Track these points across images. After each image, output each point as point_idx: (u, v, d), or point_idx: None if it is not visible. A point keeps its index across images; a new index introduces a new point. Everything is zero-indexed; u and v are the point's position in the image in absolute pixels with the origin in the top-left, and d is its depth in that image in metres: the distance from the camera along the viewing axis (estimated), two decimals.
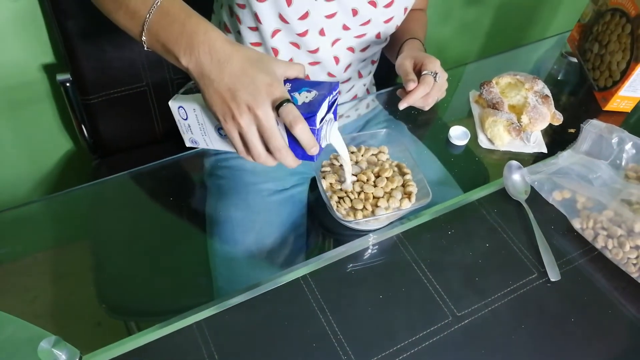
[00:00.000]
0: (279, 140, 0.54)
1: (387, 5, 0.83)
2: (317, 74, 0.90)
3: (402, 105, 0.76)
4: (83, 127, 1.04)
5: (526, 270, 0.67)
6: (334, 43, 0.85)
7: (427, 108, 0.79)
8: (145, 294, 0.72)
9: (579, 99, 0.92)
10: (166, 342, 0.59)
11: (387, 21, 0.85)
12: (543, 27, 1.57)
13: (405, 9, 0.87)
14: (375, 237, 0.68)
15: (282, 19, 0.80)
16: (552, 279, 0.66)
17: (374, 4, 0.82)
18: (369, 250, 0.68)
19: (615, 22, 0.86)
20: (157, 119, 1.07)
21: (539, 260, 0.68)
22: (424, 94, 0.76)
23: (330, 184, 0.66)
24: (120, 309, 0.72)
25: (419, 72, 0.78)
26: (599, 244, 0.68)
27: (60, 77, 0.96)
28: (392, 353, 0.59)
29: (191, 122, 0.59)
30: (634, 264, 0.66)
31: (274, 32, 0.82)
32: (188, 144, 0.62)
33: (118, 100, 1.01)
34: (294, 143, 0.55)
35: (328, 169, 0.68)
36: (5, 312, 0.59)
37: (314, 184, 0.79)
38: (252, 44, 0.86)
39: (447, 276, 0.66)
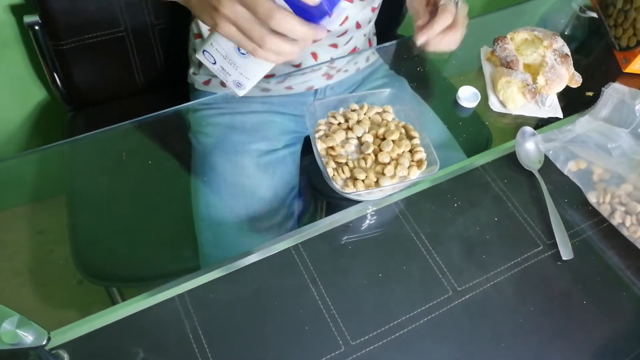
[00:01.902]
0: (265, 5, 0.47)
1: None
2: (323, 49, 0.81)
3: (419, 39, 0.64)
4: (55, 75, 0.96)
5: (532, 243, 0.63)
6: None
7: (453, 47, 0.66)
8: (126, 258, 0.67)
9: (598, 59, 0.86)
10: (146, 314, 0.55)
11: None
12: None
13: None
14: (373, 205, 0.63)
15: None
16: (564, 258, 0.61)
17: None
18: (367, 220, 0.63)
19: None
20: (137, 68, 0.99)
21: (547, 233, 0.63)
22: (444, 26, 0.63)
23: (327, 147, 0.59)
24: (99, 273, 0.68)
25: (435, 5, 0.65)
26: (616, 221, 0.63)
27: (27, 19, 0.87)
28: (388, 329, 0.55)
29: (220, 61, 0.54)
30: None
31: None
32: (239, 93, 0.55)
33: (93, 46, 0.92)
34: (300, 8, 0.48)
35: (325, 127, 0.61)
36: None
37: (308, 145, 0.73)
38: None
39: (448, 248, 0.62)
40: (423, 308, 0.58)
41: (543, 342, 0.56)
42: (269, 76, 0.82)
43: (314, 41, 0.51)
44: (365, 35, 0.88)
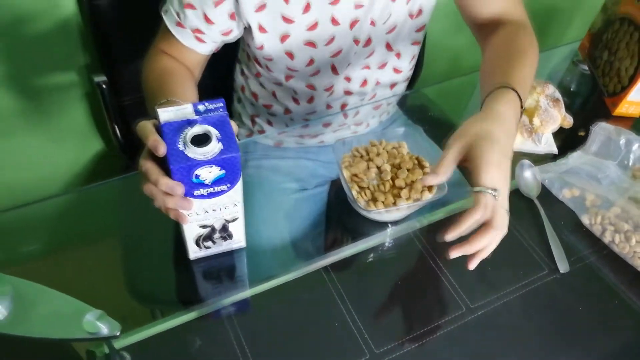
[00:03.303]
0: (155, 176, 0.55)
1: (386, 20, 0.84)
2: (337, 99, 0.94)
3: (448, 237, 0.61)
4: (116, 127, 1.11)
5: (538, 266, 0.71)
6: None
7: (485, 254, 0.62)
8: (173, 283, 0.76)
9: (590, 104, 0.96)
10: (197, 324, 0.64)
11: (390, 31, 0.86)
12: (556, 37, 1.61)
13: (411, 15, 0.87)
14: (392, 231, 0.73)
15: (290, 69, 0.85)
16: (562, 271, 0.70)
17: (373, 24, 0.83)
18: (386, 245, 0.73)
19: (624, 31, 0.90)
20: None
21: (551, 257, 0.71)
22: (473, 220, 0.59)
23: (352, 175, 0.71)
24: (151, 297, 0.76)
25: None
26: (607, 239, 0.72)
27: (97, 78, 1.03)
28: (408, 340, 0.63)
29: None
30: None
31: (288, 77, 0.87)
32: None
33: None
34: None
35: (349, 159, 0.73)
36: (52, 289, 0.64)
37: (334, 187, 0.84)
38: (270, 85, 0.92)
39: (461, 271, 0.69)
40: (440, 322, 0.65)
41: (550, 356, 0.63)
42: (305, 135, 0.96)
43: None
44: (391, 94, 1.01)
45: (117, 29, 0.98)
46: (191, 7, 0.74)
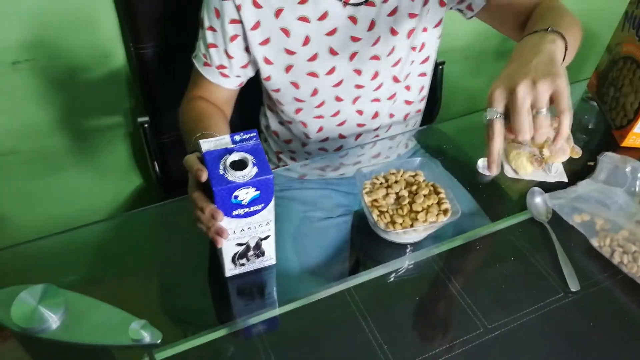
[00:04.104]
0: (201, 203, 0.65)
1: (390, 53, 0.92)
2: (349, 129, 1.03)
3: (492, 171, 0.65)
4: (155, 163, 1.20)
5: (552, 288, 0.74)
6: (354, 101, 0.98)
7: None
8: (207, 301, 0.80)
9: (600, 137, 1.01)
10: (230, 338, 0.70)
11: (395, 64, 0.94)
12: (570, 77, 1.68)
13: (414, 48, 0.94)
14: (411, 256, 0.78)
15: (297, 100, 0.95)
16: (572, 289, 0.73)
17: (376, 58, 0.92)
18: (406, 268, 0.78)
19: (627, 68, 0.96)
20: None
21: (563, 279, 0.75)
22: (495, 145, 0.63)
23: (372, 200, 0.77)
24: (187, 314, 0.81)
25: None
26: (616, 260, 0.76)
27: (140, 119, 1.13)
28: (428, 357, 0.67)
29: None
30: None
31: (297, 110, 0.98)
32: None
33: None
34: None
35: (370, 186, 0.79)
36: (101, 301, 0.71)
37: (356, 216, 0.90)
38: (285, 121, 1.03)
39: (478, 292, 0.75)
40: (458, 341, 0.69)
41: None
42: (326, 168, 1.04)
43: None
44: (405, 126, 1.09)
45: (159, 74, 1.09)
46: (214, 46, 0.88)
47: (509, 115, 0.61)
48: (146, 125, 1.14)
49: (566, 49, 0.69)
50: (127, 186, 1.34)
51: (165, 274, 0.81)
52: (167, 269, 0.81)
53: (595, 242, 0.79)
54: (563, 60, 0.69)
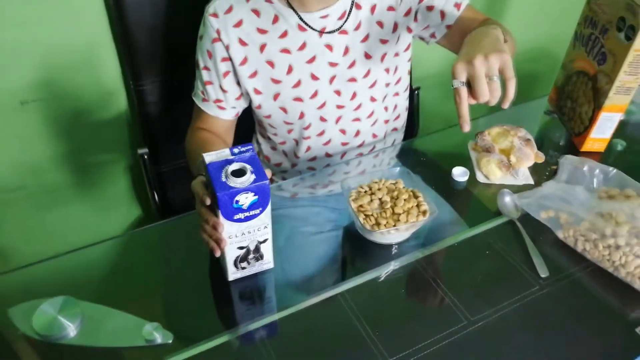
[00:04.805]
0: (206, 216, 0.75)
1: (366, 75, 1.04)
2: (334, 148, 1.12)
3: (465, 128, 0.79)
4: (155, 193, 1.28)
5: (526, 281, 0.82)
6: (337, 121, 1.08)
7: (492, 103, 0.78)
8: (209, 309, 0.84)
9: (562, 145, 1.11)
10: (234, 343, 0.76)
11: (371, 86, 1.06)
12: (529, 93, 1.80)
13: (387, 70, 1.06)
14: (397, 257, 0.86)
15: (287, 123, 1.06)
16: (542, 275, 0.82)
17: (354, 80, 1.04)
18: (394, 270, 0.85)
19: (580, 81, 1.07)
20: None
21: (535, 271, 0.83)
22: (462, 108, 0.78)
23: (358, 206, 0.85)
24: (191, 322, 0.83)
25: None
26: (579, 248, 0.85)
27: (140, 150, 1.21)
28: (419, 348, 0.73)
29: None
30: (608, 260, 0.82)
31: (289, 131, 1.08)
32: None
33: (183, 168, 1.25)
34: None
35: (355, 194, 0.88)
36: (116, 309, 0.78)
37: (346, 230, 0.97)
38: (278, 143, 1.13)
39: (460, 289, 0.82)
40: (445, 333, 0.75)
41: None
42: (316, 186, 1.12)
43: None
44: (385, 142, 1.18)
45: (158, 109, 1.19)
46: (210, 83, 1.00)
47: (470, 85, 0.77)
48: (146, 157, 1.22)
49: (505, 41, 0.86)
50: (128, 217, 1.41)
51: (170, 285, 0.87)
52: (172, 280, 0.87)
53: (560, 234, 0.87)
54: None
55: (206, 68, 0.99)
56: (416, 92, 1.45)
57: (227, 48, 0.96)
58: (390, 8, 1.01)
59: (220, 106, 1.02)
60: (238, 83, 1.01)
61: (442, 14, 1.03)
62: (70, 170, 1.26)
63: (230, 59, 0.97)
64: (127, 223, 1.42)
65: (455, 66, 0.78)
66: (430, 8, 1.03)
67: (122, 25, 1.08)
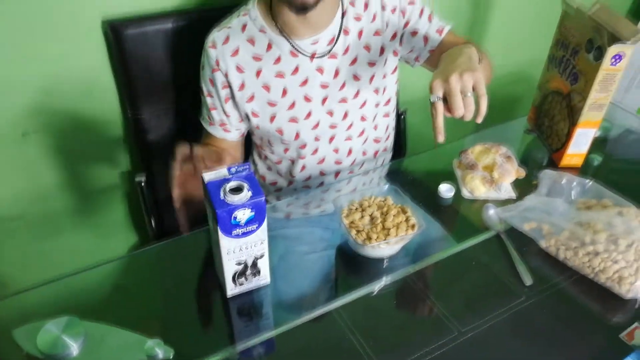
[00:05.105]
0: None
1: (356, 96, 1.11)
2: (328, 167, 1.17)
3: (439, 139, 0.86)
4: (152, 219, 1.31)
5: (513, 291, 0.86)
6: (331, 140, 1.14)
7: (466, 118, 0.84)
8: (207, 327, 0.87)
9: (541, 161, 1.17)
10: (233, 359, 0.79)
11: (362, 106, 1.13)
12: (510, 113, 1.88)
13: (376, 91, 1.13)
14: (389, 272, 0.89)
15: (283, 142, 1.12)
16: (527, 284, 0.86)
17: (344, 101, 1.11)
18: (386, 287, 0.88)
19: (556, 100, 1.14)
20: None
21: (523, 286, 0.86)
22: (438, 120, 0.84)
23: (350, 222, 0.89)
24: (190, 340, 0.85)
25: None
26: (561, 257, 0.89)
27: (138, 178, 1.25)
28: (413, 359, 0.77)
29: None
30: (588, 267, 0.86)
31: (285, 150, 1.15)
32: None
33: None
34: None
35: (347, 211, 0.92)
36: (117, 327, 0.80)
37: (338, 250, 1.00)
38: (275, 162, 1.19)
39: (450, 301, 0.86)
40: (437, 344, 0.79)
41: None
42: (309, 206, 1.16)
43: None
44: (376, 162, 1.23)
45: (155, 136, 1.23)
46: (214, 108, 1.07)
47: (446, 100, 0.84)
48: (143, 183, 1.26)
49: (480, 61, 0.93)
50: (125, 244, 1.44)
51: (170, 303, 0.90)
52: (172, 298, 0.90)
53: (543, 244, 0.92)
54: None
55: (209, 95, 1.07)
56: (402, 115, 1.51)
57: (226, 75, 1.03)
58: (377, 33, 1.08)
59: (225, 129, 1.10)
60: (238, 108, 1.08)
61: (425, 39, 1.10)
62: (69, 198, 1.29)
63: (229, 85, 1.04)
64: (124, 250, 1.44)
65: (432, 83, 0.84)
66: (414, 33, 1.11)
67: (120, 57, 1.13)
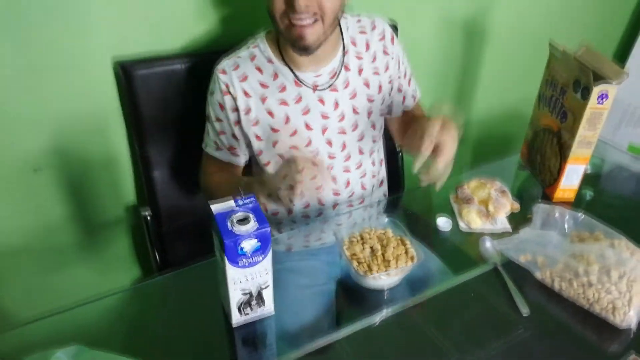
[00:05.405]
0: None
1: (354, 129, 1.17)
2: (327, 196, 1.21)
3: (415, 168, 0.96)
4: (156, 252, 1.34)
5: (511, 320, 0.88)
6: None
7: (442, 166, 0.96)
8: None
9: (535, 196, 1.21)
10: None
11: (359, 139, 1.19)
12: (503, 150, 1.93)
13: (373, 125, 1.20)
14: (389, 305, 0.91)
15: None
16: (524, 314, 0.88)
17: (343, 132, 1.16)
18: (387, 319, 0.90)
19: (547, 137, 1.19)
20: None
21: (520, 317, 0.89)
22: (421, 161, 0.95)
23: (351, 253, 0.92)
24: None
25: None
26: (556, 288, 0.92)
27: (143, 212, 1.29)
28: None
29: None
30: (583, 297, 0.89)
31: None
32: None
33: (184, 227, 1.32)
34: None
35: (348, 243, 0.95)
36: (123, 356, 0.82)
37: (339, 283, 1.02)
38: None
39: (450, 332, 0.88)
40: None
41: None
42: (308, 235, 1.20)
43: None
44: (373, 195, 1.27)
45: (161, 172, 1.27)
46: (223, 133, 1.12)
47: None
48: (148, 217, 1.29)
49: None
50: (128, 278, 1.45)
51: (176, 332, 0.92)
52: (178, 327, 0.92)
53: (538, 275, 0.95)
54: None
55: (218, 120, 1.12)
56: (400, 153, 1.56)
57: (234, 99, 1.09)
58: (376, 72, 1.17)
59: (234, 153, 1.15)
60: (245, 132, 1.13)
61: (404, 99, 1.24)
62: (75, 231, 1.32)
63: (237, 109, 1.10)
64: (127, 283, 1.46)
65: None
66: (399, 89, 1.23)
67: (130, 96, 1.18)
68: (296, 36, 1.01)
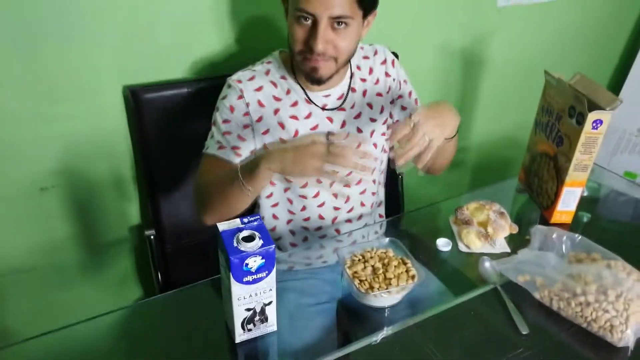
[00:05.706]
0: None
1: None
2: (327, 211, 1.24)
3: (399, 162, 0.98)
4: (159, 272, 1.35)
5: (510, 339, 0.90)
6: (331, 185, 1.22)
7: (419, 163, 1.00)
8: None
9: (533, 218, 1.23)
10: None
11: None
12: (502, 174, 1.96)
13: (375, 145, 1.24)
14: (390, 324, 0.93)
15: (288, 180, 1.20)
16: (523, 333, 0.89)
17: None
18: (387, 338, 0.91)
19: (544, 162, 1.22)
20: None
21: (520, 336, 0.90)
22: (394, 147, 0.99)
23: (353, 272, 0.94)
24: None
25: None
26: (554, 307, 0.93)
27: (147, 232, 1.30)
28: None
29: None
30: (581, 316, 0.90)
31: (285, 189, 1.22)
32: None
33: (188, 247, 1.34)
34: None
35: (349, 262, 0.97)
36: None
37: (340, 302, 1.04)
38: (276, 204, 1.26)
39: (450, 351, 0.89)
40: None
41: None
42: (311, 256, 1.22)
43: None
44: (372, 214, 1.29)
45: (166, 193, 1.30)
46: (229, 133, 1.13)
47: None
48: (152, 238, 1.31)
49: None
50: (131, 297, 1.46)
51: (177, 350, 0.93)
52: (179, 346, 0.93)
53: (537, 295, 0.96)
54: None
55: (226, 121, 1.13)
56: (400, 176, 1.59)
57: (247, 105, 1.13)
58: (379, 94, 1.24)
59: (237, 153, 1.13)
60: (253, 137, 1.15)
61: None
62: (80, 250, 1.33)
63: (249, 114, 1.13)
64: (130, 302, 1.46)
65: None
66: (403, 108, 1.28)
67: (138, 119, 1.22)
68: (310, 69, 1.08)
